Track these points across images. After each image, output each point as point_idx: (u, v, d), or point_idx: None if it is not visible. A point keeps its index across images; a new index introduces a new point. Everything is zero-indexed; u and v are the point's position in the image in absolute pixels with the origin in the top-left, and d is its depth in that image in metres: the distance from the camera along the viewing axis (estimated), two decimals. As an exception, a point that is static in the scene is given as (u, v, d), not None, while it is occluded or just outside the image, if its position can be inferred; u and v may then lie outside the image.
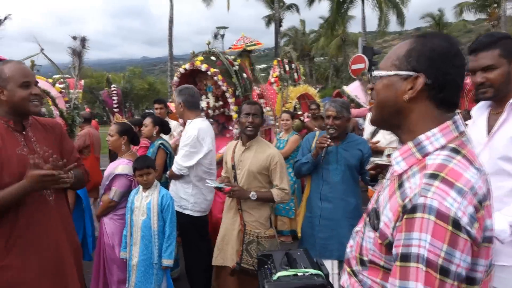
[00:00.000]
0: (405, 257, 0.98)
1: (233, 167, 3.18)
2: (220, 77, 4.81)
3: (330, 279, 2.82)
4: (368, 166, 2.71)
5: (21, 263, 1.97)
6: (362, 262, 1.18)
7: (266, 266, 2.54)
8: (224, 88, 4.86)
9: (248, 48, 7.56)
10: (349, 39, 38.07)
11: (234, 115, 4.84)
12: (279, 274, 2.30)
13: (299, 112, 8.25)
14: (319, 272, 2.35)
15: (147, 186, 3.20)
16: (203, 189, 3.60)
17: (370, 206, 1.24)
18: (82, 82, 7.99)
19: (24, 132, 2.12)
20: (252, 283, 2.95)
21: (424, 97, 1.10)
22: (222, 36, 6.14)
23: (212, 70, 4.83)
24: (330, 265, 3.05)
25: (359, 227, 1.31)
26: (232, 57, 5.17)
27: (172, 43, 27.09)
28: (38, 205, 2.05)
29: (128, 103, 13.08)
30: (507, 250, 1.80)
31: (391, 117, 1.16)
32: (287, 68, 8.76)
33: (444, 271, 0.94)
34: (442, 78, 1.08)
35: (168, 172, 3.73)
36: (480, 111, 2.10)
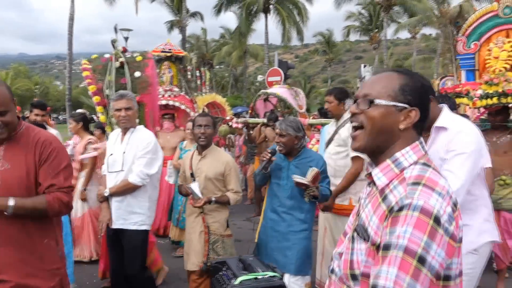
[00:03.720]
0: (386, 247, 1.10)
1: (192, 175, 3.44)
2: (86, 73, 4.24)
3: None
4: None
5: None
6: (353, 277, 1.23)
7: (221, 273, 2.67)
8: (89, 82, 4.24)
9: (179, 54, 7.57)
10: (250, 50, 39.46)
11: (101, 118, 4.24)
12: (241, 278, 2.48)
13: (227, 118, 8.36)
14: (276, 274, 2.58)
15: None
16: (155, 199, 3.57)
17: (348, 228, 1.39)
18: None
19: None
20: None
21: (412, 126, 1.26)
22: (126, 38, 6.06)
23: (84, 62, 4.34)
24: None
25: (340, 249, 1.37)
26: (137, 54, 4.55)
27: (72, 42, 25.16)
28: None
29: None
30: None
31: (384, 142, 1.27)
32: (189, 75, 8.52)
33: (422, 260, 1.05)
34: (426, 110, 1.29)
35: (108, 190, 3.38)
36: None
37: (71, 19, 24.69)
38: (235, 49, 35.06)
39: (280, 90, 8.46)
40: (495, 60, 3.73)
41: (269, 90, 8.84)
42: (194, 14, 34.54)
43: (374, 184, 1.28)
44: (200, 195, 3.28)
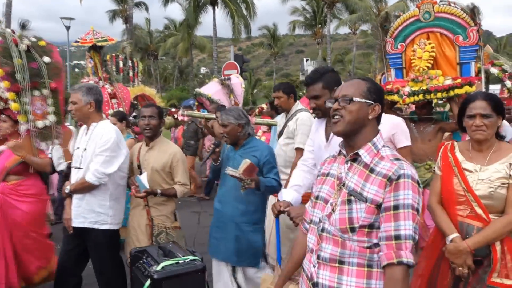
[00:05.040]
0: (396, 207, 1.56)
1: (139, 166, 3.43)
2: None
3: (215, 278, 3.25)
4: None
5: None
6: (352, 229, 1.62)
7: (141, 261, 2.76)
8: None
9: (99, 44, 6.92)
10: (196, 42, 39.07)
11: (13, 105, 3.62)
12: (163, 264, 2.58)
13: (173, 110, 8.23)
14: (196, 257, 2.72)
15: None
16: (120, 197, 3.41)
17: (327, 195, 1.76)
18: None
19: None
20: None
21: (375, 117, 1.76)
22: (68, 27, 5.90)
23: None
24: (217, 264, 3.30)
25: (327, 212, 1.73)
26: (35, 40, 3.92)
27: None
28: None
29: None
30: None
31: (358, 128, 1.72)
32: (121, 64, 8.23)
33: (417, 211, 1.58)
34: (383, 106, 1.79)
35: (70, 186, 3.29)
36: (319, 123, 2.83)
37: (9, 5, 22.94)
38: (182, 41, 34.58)
39: (213, 90, 8.06)
40: (419, 59, 4.17)
41: (202, 90, 8.32)
42: (138, 4, 33.59)
43: (354, 161, 1.73)
44: (147, 186, 3.24)
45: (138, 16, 72.40)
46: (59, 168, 5.79)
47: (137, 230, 3.39)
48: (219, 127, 6.45)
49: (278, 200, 2.78)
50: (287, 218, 2.59)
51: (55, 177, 7.02)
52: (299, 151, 3.69)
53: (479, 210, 2.27)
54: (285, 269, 2.05)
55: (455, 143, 2.51)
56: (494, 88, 7.24)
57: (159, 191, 3.28)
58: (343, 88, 1.79)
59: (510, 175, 2.21)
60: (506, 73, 6.52)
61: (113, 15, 33.55)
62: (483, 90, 4.26)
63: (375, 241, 1.61)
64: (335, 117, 1.74)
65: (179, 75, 52.17)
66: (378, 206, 1.60)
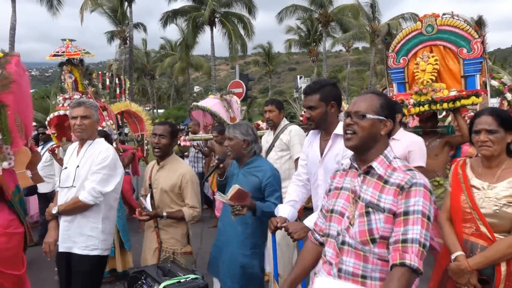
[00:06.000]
0: (406, 213, 1.61)
1: (150, 186, 3.29)
2: None
3: None
4: None
5: None
6: (373, 241, 1.66)
7: (140, 282, 2.67)
8: None
9: (85, 56, 6.38)
10: (192, 62, 39.37)
11: None
12: (164, 284, 2.49)
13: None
14: (198, 275, 2.63)
15: None
16: (112, 221, 3.21)
17: (343, 209, 1.79)
18: None
19: None
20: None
21: (387, 132, 1.79)
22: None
23: None
24: (217, 282, 3.18)
25: (344, 225, 1.76)
26: None
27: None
28: None
29: None
30: None
31: (370, 143, 1.77)
32: (107, 82, 8.24)
33: (428, 218, 1.62)
34: (395, 121, 1.82)
35: (58, 207, 3.04)
36: (313, 136, 2.83)
37: (13, 28, 23.18)
38: (178, 61, 34.88)
39: (211, 103, 8.09)
40: (422, 72, 4.17)
41: (200, 104, 8.36)
42: (136, 25, 33.94)
43: (366, 173, 1.78)
44: (149, 209, 3.13)
45: (135, 37, 73.29)
46: (41, 190, 5.39)
47: (147, 253, 3.25)
48: (219, 146, 6.53)
49: (274, 216, 2.76)
50: (283, 234, 2.52)
51: (32, 199, 6.69)
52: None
53: (483, 229, 2.23)
54: (292, 275, 2.02)
55: (468, 159, 2.48)
56: (493, 102, 7.26)
57: (164, 213, 3.13)
58: (356, 103, 1.82)
59: None
60: (506, 86, 6.56)
61: (111, 36, 33.83)
62: (489, 103, 4.22)
63: None
64: (348, 132, 1.77)
65: (176, 94, 52.42)
66: (395, 215, 1.65)
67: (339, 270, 1.74)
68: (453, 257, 2.26)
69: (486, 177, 2.28)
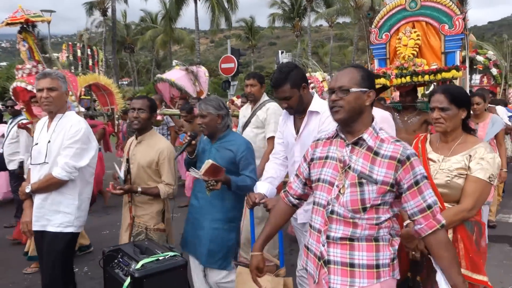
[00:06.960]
0: (416, 182, 1.75)
1: (127, 160, 3.20)
2: None
3: (192, 273, 3.06)
4: None
5: None
6: (364, 209, 1.76)
7: (116, 261, 2.63)
8: None
9: (32, 19, 5.79)
10: (174, 35, 38.52)
11: None
12: (142, 262, 2.47)
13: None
14: (176, 253, 2.61)
15: None
16: (88, 197, 3.08)
17: (332, 178, 1.84)
18: None
19: None
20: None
21: (371, 103, 1.87)
22: (49, 22, 5.43)
23: None
24: (193, 260, 3.12)
25: (334, 194, 1.82)
26: None
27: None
28: None
29: None
30: None
31: (356, 114, 1.83)
32: (79, 53, 7.88)
33: (426, 177, 1.79)
34: (375, 91, 1.88)
35: (31, 185, 2.91)
36: (287, 115, 2.88)
37: None
38: (161, 34, 34.08)
39: (176, 75, 7.74)
40: (404, 47, 4.22)
41: (165, 76, 7.94)
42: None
43: (354, 144, 1.83)
44: (122, 177, 3.06)
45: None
46: (10, 167, 5.10)
47: (122, 230, 3.23)
48: (188, 124, 6.29)
49: (252, 192, 2.77)
50: (261, 210, 2.53)
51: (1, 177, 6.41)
52: (271, 140, 3.70)
53: None
54: (264, 232, 2.10)
55: (429, 135, 2.60)
56: (475, 78, 7.43)
57: (139, 189, 3.06)
58: (338, 78, 1.86)
59: (468, 167, 2.28)
60: (491, 61, 6.70)
61: (90, 7, 32.65)
62: (467, 78, 4.32)
63: (382, 217, 1.78)
64: (334, 108, 1.83)
65: (156, 67, 51.42)
66: (390, 185, 1.74)
67: (327, 237, 1.83)
68: (405, 223, 2.35)
69: (442, 151, 2.42)
